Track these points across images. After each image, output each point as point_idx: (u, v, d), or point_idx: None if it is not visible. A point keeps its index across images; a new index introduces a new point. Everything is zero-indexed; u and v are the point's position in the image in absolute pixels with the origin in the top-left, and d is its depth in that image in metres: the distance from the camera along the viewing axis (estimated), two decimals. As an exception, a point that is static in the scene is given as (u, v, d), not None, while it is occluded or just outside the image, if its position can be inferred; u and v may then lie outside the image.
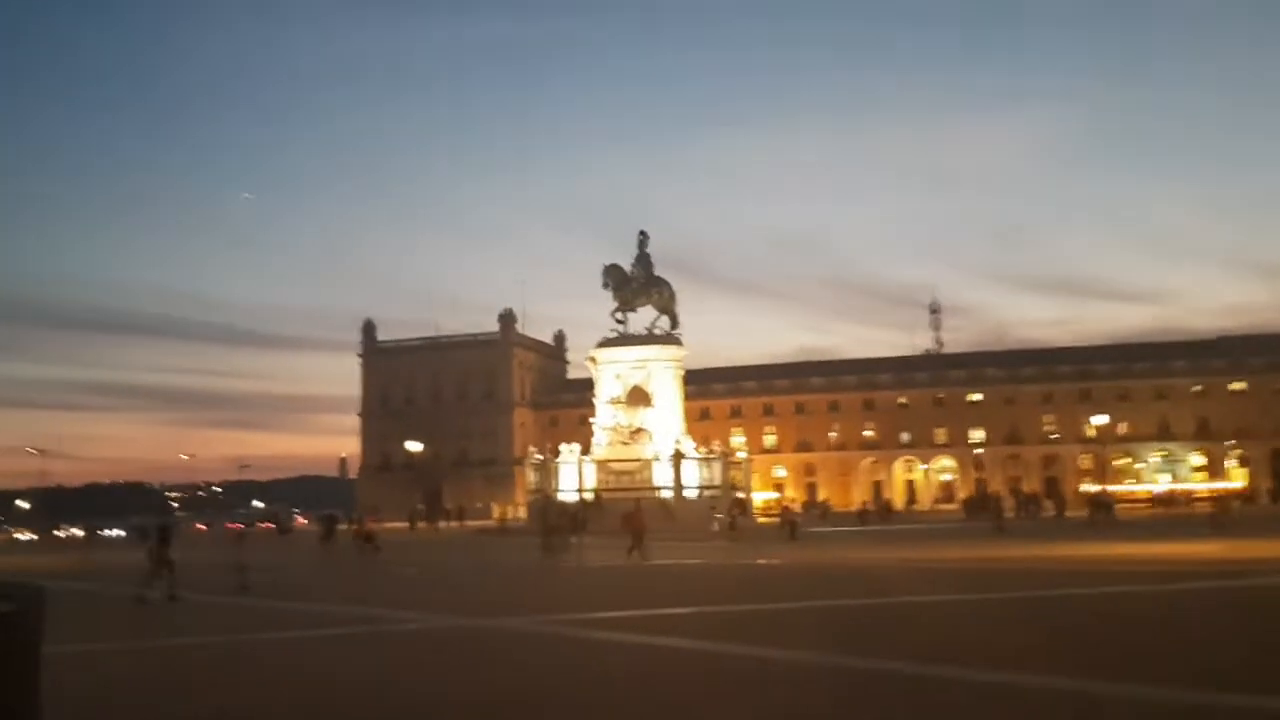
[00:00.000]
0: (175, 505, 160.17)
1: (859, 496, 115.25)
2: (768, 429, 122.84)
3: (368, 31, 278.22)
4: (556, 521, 32.96)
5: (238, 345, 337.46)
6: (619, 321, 65.36)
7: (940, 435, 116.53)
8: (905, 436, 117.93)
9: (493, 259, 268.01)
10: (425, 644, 13.69)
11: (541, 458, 63.65)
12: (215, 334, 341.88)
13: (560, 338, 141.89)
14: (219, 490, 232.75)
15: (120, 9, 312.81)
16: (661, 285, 65.25)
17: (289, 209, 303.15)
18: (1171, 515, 59.61)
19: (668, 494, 59.43)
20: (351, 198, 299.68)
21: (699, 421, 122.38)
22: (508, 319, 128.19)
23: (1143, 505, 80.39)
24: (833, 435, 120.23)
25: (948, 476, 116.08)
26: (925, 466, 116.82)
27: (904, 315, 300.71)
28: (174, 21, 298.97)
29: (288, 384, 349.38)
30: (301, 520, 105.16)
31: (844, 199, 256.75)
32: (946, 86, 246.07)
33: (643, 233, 66.16)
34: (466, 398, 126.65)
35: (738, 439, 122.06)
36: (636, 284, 64.86)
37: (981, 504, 50.00)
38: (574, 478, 61.36)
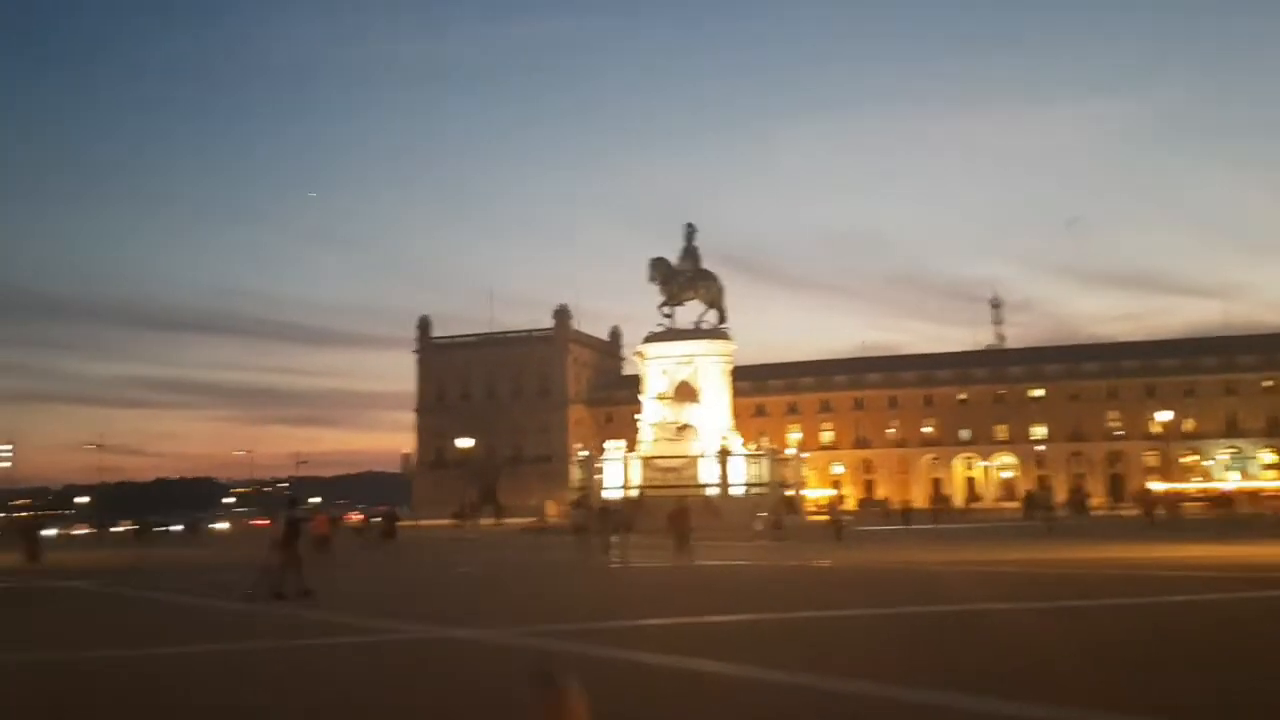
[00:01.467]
0: (228, 500, 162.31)
1: (919, 494, 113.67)
2: (825, 425, 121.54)
3: (427, 33, 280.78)
4: (592, 521, 32.32)
5: (302, 342, 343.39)
6: (666, 316, 64.80)
7: (1001, 432, 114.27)
8: (965, 433, 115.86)
9: (549, 256, 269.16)
10: (395, 656, 13.06)
11: (587, 454, 63.32)
12: (281, 331, 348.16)
13: (615, 334, 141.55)
14: (285, 485, 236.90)
15: (187, 12, 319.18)
16: (709, 279, 64.50)
17: (350, 208, 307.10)
18: (1235, 516, 57.44)
19: (714, 492, 58.69)
20: (411, 197, 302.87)
21: (754, 418, 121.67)
22: (563, 315, 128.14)
23: (1207, 504, 77.75)
24: (891, 432, 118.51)
25: (1008, 474, 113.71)
26: (985, 463, 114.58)
27: (967, 311, 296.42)
28: (238, 25, 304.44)
29: (351, 380, 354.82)
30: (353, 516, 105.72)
31: (906, 193, 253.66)
32: (1010, 76, 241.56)
33: (690, 225, 65.44)
34: (521, 394, 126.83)
35: (795, 435, 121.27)
36: (684, 278, 64.17)
37: (1033, 502, 48.56)
38: (620, 475, 60.93)
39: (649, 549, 32.84)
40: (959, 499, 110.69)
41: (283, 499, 30.43)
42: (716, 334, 63.83)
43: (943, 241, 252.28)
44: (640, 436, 63.29)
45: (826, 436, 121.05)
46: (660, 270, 64.44)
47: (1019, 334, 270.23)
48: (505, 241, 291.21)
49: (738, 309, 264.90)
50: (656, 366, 63.62)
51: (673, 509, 33.41)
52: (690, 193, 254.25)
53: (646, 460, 61.01)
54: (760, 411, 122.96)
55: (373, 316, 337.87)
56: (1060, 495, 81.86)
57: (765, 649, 12.13)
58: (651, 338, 64.82)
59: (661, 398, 62.31)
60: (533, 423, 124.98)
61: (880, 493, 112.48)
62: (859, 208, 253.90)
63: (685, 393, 62.30)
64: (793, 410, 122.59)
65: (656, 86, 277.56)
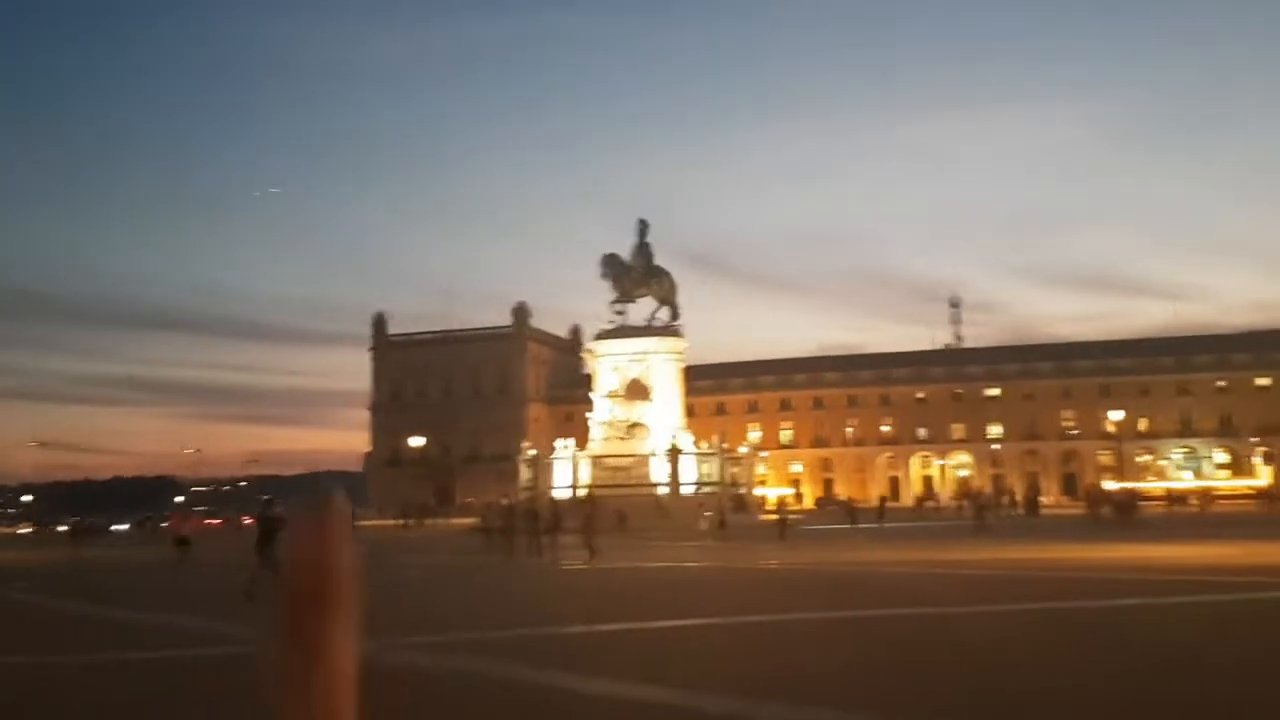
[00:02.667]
0: (179, 499, 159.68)
1: (876, 492, 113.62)
2: (785, 424, 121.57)
3: (388, 29, 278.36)
4: (518, 521, 31.08)
5: (262, 339, 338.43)
6: (618, 313, 64.11)
7: (957, 431, 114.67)
8: (922, 432, 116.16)
9: (511, 253, 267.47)
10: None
11: (535, 453, 62.48)
12: (240, 328, 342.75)
13: (576, 332, 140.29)
14: (244, 484, 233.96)
15: (147, 10, 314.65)
16: (662, 275, 63.83)
17: (308, 204, 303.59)
18: (1183, 514, 57.62)
19: (665, 490, 58.05)
20: (369, 193, 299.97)
21: (715, 416, 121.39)
22: (521, 312, 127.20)
23: (1160, 503, 78.14)
24: (850, 431, 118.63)
25: (965, 472, 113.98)
26: (942, 462, 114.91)
27: (930, 310, 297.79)
28: (196, 22, 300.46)
29: (313, 377, 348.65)
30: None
31: (870, 193, 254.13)
32: (974, 78, 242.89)
33: (642, 221, 64.76)
34: (479, 392, 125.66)
35: (754, 434, 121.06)
36: (636, 274, 63.46)
37: (976, 501, 48.54)
38: (569, 474, 60.13)
39: (579, 550, 32.01)
40: (913, 497, 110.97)
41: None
42: (669, 331, 63.18)
43: (906, 241, 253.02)
44: (591, 435, 62.52)
45: (786, 435, 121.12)
46: (612, 267, 63.73)
47: (980, 334, 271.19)
48: (466, 238, 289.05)
49: (702, 307, 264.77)
50: (608, 364, 62.93)
51: (581, 507, 32.00)
52: (654, 190, 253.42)
53: (596, 459, 60.27)
54: (721, 410, 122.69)
55: (335, 312, 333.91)
56: (1018, 494, 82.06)
57: (607, 657, 11.40)
58: (603, 335, 64.18)
59: (612, 396, 61.61)
60: (490, 421, 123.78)
61: (839, 491, 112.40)
62: (824, 207, 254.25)
63: (636, 390, 61.63)
64: (753, 409, 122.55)
65: (621, 83, 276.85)
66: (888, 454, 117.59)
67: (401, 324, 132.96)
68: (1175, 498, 70.05)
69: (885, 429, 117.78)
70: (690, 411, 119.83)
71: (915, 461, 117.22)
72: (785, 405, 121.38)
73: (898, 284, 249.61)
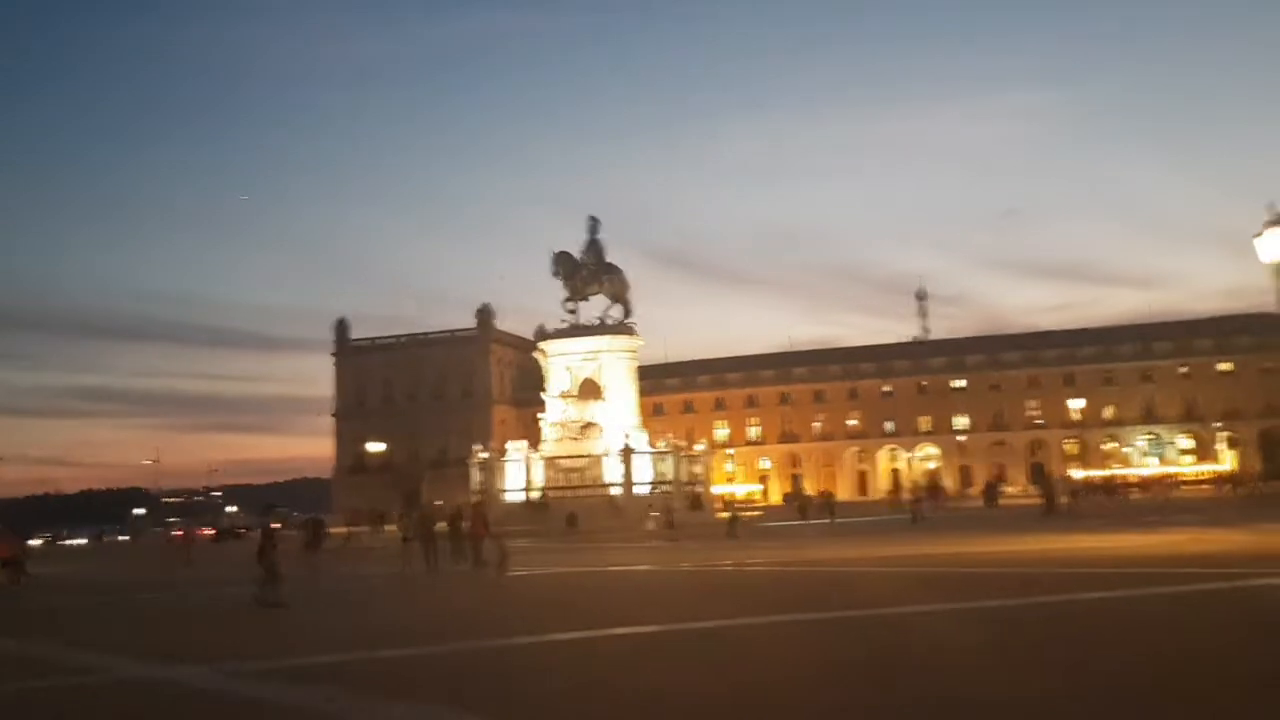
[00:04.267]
0: (139, 511, 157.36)
1: (844, 486, 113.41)
2: (752, 420, 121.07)
3: (351, 31, 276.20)
4: (424, 529, 29.81)
5: (232, 347, 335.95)
6: (570, 311, 63.21)
7: (924, 423, 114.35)
8: (889, 425, 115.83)
9: (477, 255, 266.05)
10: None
11: (486, 456, 61.47)
12: (208, 337, 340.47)
13: (542, 332, 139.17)
14: (216, 494, 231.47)
15: (111, 15, 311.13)
16: (614, 273, 62.90)
17: (275, 210, 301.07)
18: (1141, 501, 57.27)
19: (619, 491, 57.18)
20: (336, 197, 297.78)
21: (682, 414, 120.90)
22: (485, 314, 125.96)
23: (1127, 490, 77.97)
24: (817, 425, 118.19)
25: (932, 465, 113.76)
26: (909, 455, 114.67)
27: (902, 304, 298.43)
28: (157, 21, 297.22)
29: (284, 384, 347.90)
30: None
31: (842, 187, 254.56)
32: (942, 70, 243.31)
33: (593, 218, 63.84)
34: (444, 396, 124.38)
35: (722, 431, 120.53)
36: (587, 272, 62.53)
37: (928, 492, 48.17)
38: (521, 476, 59.20)
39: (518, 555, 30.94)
40: (882, 491, 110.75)
41: (261, 507, 28.69)
42: (621, 329, 62.27)
43: (878, 235, 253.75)
44: (543, 436, 61.57)
45: (754, 431, 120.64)
46: (563, 265, 62.79)
47: (953, 326, 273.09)
48: (433, 241, 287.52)
49: (672, 304, 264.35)
50: (560, 363, 62.02)
51: (470, 510, 30.74)
52: (622, 189, 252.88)
53: (549, 460, 59.34)
54: (688, 408, 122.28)
55: (306, 318, 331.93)
56: (978, 484, 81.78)
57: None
58: (554, 334, 63.36)
59: (565, 396, 60.68)
60: (456, 425, 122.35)
61: (807, 486, 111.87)
62: (795, 203, 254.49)
63: (589, 390, 60.73)
64: (720, 406, 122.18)
65: (586, 83, 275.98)
66: (855, 448, 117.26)
67: (370, 328, 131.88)
68: (1137, 484, 69.81)
69: (852, 423, 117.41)
70: (658, 409, 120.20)
71: (883, 455, 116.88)
72: (752, 401, 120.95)
73: (868, 278, 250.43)
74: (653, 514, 45.04)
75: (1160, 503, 47.35)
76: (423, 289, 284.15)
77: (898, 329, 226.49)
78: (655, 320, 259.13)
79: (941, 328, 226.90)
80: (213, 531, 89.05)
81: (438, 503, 42.45)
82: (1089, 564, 20.70)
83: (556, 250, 63.21)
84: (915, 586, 18.20)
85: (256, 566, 20.12)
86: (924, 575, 20.34)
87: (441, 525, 30.51)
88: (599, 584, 22.66)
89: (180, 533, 47.90)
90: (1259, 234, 28.91)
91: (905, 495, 58.17)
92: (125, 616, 21.45)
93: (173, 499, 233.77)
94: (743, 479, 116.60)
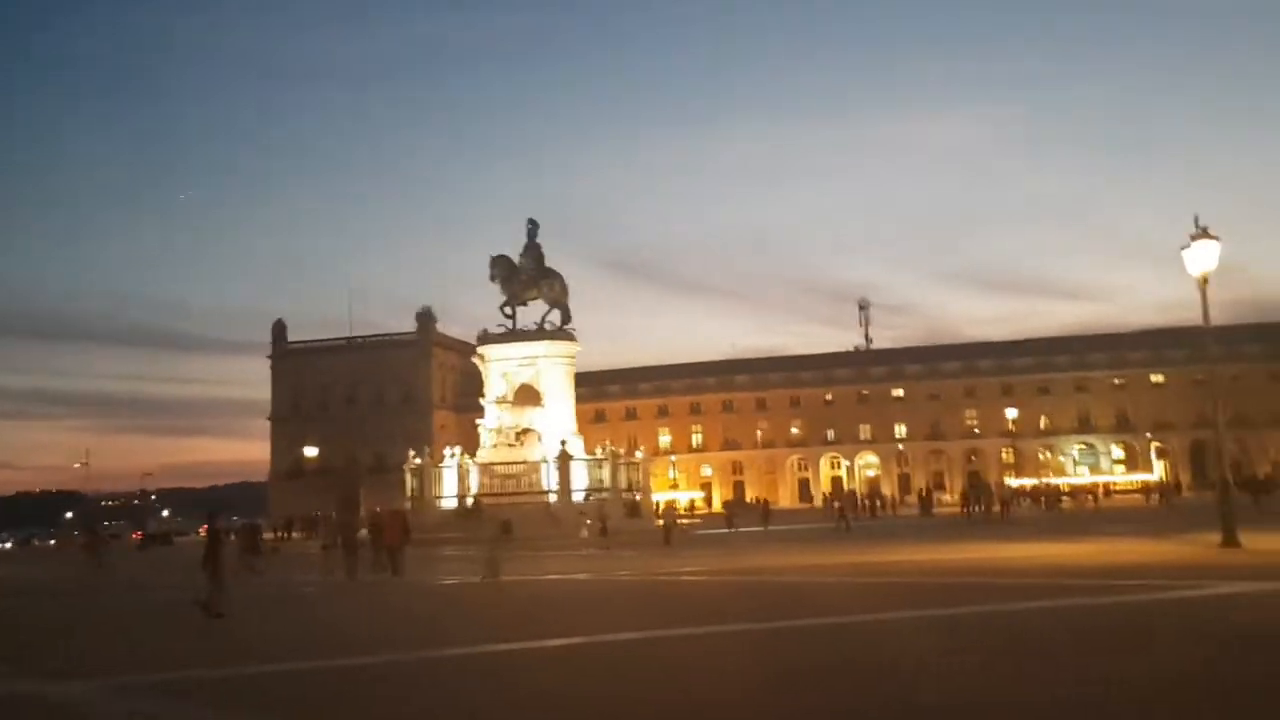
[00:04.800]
0: (69, 515, 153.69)
1: (786, 494, 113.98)
2: (695, 427, 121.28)
3: (293, 31, 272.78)
4: (345, 535, 29.15)
5: (172, 348, 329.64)
6: (507, 316, 62.50)
7: (865, 431, 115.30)
8: (831, 433, 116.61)
9: (424, 259, 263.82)
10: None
11: (420, 462, 60.56)
12: (149, 338, 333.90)
13: (485, 337, 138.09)
14: (153, 497, 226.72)
15: (53, 11, 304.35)
16: (552, 277, 62.31)
17: (216, 210, 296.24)
18: (1072, 510, 57.91)
19: (556, 498, 56.59)
20: (283, 198, 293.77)
21: (625, 421, 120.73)
22: (426, 318, 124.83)
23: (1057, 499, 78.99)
24: (759, 433, 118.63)
25: (872, 472, 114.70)
26: (849, 463, 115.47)
27: (848, 313, 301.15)
28: (96, 18, 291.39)
29: (225, 387, 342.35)
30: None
31: (792, 197, 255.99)
32: (888, 83, 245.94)
33: (531, 221, 63.19)
34: (384, 400, 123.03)
35: (665, 439, 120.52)
36: (525, 276, 61.86)
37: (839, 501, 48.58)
38: (457, 482, 58.41)
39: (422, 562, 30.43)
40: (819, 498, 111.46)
41: (206, 510, 28.11)
42: (560, 335, 61.70)
43: (826, 246, 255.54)
44: (480, 442, 60.84)
45: (697, 439, 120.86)
46: (501, 268, 62.08)
47: (898, 336, 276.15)
48: (378, 244, 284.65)
49: (620, 311, 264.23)
50: (497, 369, 61.33)
51: (389, 518, 30.12)
52: (572, 195, 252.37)
53: (485, 466, 58.56)
54: (631, 414, 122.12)
55: (246, 320, 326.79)
56: (917, 492, 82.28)
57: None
58: (491, 339, 62.61)
59: (500, 402, 59.98)
60: (396, 430, 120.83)
61: (750, 493, 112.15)
62: (744, 212, 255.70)
63: (526, 396, 60.10)
64: (663, 413, 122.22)
65: (537, 88, 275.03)
66: (797, 456, 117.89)
67: (311, 331, 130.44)
68: (1068, 493, 70.83)
69: (795, 431, 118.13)
70: (601, 416, 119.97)
71: (825, 462, 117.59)
72: (696, 409, 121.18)
73: (815, 287, 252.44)
74: (586, 522, 44.60)
75: (1085, 512, 47.78)
76: (367, 293, 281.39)
77: (844, 338, 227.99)
78: (604, 327, 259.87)
79: (887, 338, 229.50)
80: (138, 535, 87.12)
81: (359, 510, 41.62)
82: (989, 573, 20.65)
83: (494, 254, 62.49)
84: (824, 595, 18.01)
85: (200, 572, 19.48)
86: (828, 584, 20.18)
87: (363, 533, 29.83)
88: (526, 594, 22.23)
89: (85, 539, 46.72)
90: (1186, 246, 29.47)
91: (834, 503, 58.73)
92: (26, 625, 20.66)
93: (111, 502, 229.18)
94: (686, 486, 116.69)
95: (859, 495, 77.74)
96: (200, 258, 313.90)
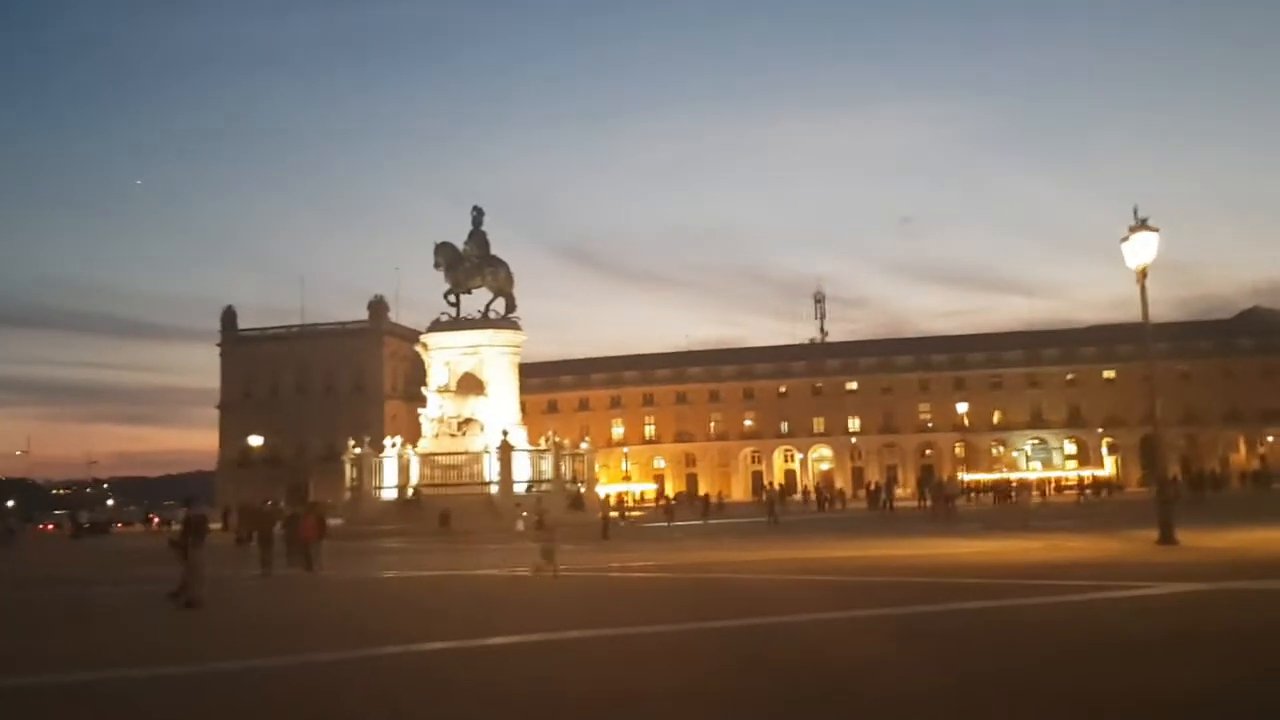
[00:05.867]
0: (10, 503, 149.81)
1: (739, 486, 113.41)
2: (648, 419, 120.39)
3: (241, 17, 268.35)
4: (256, 529, 28.08)
5: (125, 336, 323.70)
6: (451, 304, 61.28)
7: (818, 424, 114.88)
8: (784, 426, 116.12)
9: (381, 247, 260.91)
10: None
11: (360, 452, 59.30)
12: (103, 325, 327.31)
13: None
14: (105, 485, 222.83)
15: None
16: (497, 265, 61.18)
17: (168, 196, 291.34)
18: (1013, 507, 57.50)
19: (497, 489, 55.53)
20: (237, 185, 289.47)
21: (578, 412, 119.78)
22: (378, 306, 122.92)
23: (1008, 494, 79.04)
24: (713, 425, 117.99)
25: (826, 465, 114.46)
26: (803, 456, 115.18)
27: (804, 306, 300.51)
28: (42, 6, 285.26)
29: (178, 375, 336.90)
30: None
31: (750, 190, 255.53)
32: (845, 77, 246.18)
33: (477, 208, 61.96)
34: (334, 389, 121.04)
35: (618, 430, 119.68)
36: (469, 264, 60.67)
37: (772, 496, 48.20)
38: (396, 473, 57.24)
39: (371, 555, 29.39)
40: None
41: (183, 498, 27.05)
42: (504, 323, 60.63)
43: (783, 238, 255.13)
44: (422, 432, 59.69)
45: (649, 430, 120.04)
46: (445, 255, 60.82)
47: (854, 329, 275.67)
48: (331, 233, 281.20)
49: (575, 302, 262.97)
50: (440, 358, 60.18)
51: (305, 511, 29.10)
52: (528, 184, 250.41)
53: (426, 457, 57.46)
54: (584, 405, 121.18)
55: (198, 307, 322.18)
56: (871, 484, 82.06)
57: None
58: (434, 327, 61.42)
59: (443, 391, 58.85)
60: (346, 419, 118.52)
61: (703, 486, 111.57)
62: (702, 204, 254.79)
63: (469, 385, 59.01)
64: (616, 404, 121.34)
65: (493, 77, 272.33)
66: (750, 448, 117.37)
67: (263, 319, 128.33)
68: (1014, 488, 70.67)
69: (748, 423, 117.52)
70: (553, 407, 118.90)
71: (778, 455, 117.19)
72: (649, 400, 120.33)
73: (772, 280, 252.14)
74: (522, 514, 43.55)
75: (1033, 507, 47.44)
76: (320, 281, 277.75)
77: (800, 331, 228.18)
78: (559, 317, 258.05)
79: (844, 331, 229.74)
80: (71, 526, 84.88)
81: (269, 503, 40.36)
82: (905, 573, 19.97)
83: (439, 241, 61.25)
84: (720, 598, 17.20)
85: (177, 562, 19.23)
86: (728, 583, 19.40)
87: (278, 527, 28.76)
88: (444, 588, 21.30)
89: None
90: (1125, 238, 28.92)
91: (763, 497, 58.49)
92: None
93: (63, 490, 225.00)
94: (639, 478, 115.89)
95: (822, 487, 77.69)
96: (149, 245, 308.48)
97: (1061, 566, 20.38)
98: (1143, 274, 27.82)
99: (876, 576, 19.51)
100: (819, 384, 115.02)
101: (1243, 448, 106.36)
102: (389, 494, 57.91)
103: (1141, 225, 27.91)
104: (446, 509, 49.98)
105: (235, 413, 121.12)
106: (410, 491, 55.37)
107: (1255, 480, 78.64)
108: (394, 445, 59.05)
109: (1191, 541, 24.14)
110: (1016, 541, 28.38)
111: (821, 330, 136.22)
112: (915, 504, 55.82)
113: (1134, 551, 23.36)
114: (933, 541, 29.28)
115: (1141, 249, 27.75)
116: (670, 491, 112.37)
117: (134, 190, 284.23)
